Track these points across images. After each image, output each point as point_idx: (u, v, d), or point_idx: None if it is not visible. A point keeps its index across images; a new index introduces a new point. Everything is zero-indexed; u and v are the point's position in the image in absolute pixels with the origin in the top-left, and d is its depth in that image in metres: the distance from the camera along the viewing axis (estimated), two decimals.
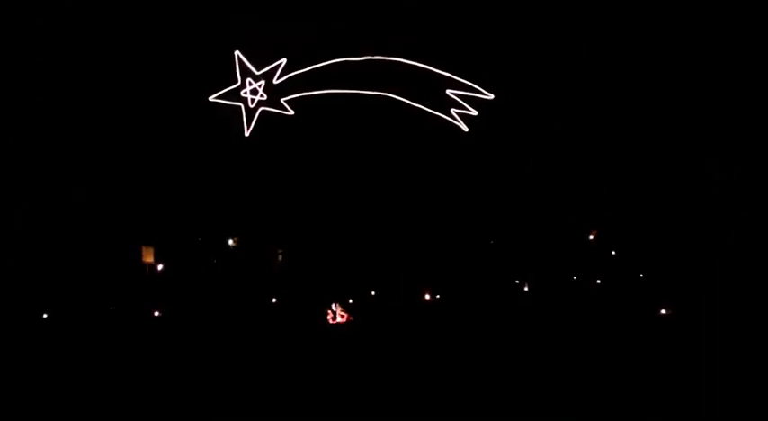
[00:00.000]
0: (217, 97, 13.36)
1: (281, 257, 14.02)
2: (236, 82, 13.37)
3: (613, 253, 13.51)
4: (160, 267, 13.38)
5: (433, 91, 13.51)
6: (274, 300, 13.23)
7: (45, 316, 12.31)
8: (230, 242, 13.83)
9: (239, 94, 13.39)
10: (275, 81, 13.41)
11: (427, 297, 13.31)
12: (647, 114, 13.54)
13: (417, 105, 13.53)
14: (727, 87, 13.24)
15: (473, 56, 13.53)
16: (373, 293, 13.41)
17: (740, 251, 12.56)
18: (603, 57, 13.66)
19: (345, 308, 13.11)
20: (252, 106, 13.41)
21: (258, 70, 13.39)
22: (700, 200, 13.03)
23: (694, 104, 13.36)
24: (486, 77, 13.41)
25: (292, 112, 13.46)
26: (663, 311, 12.46)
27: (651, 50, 13.47)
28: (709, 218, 12.93)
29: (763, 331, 11.15)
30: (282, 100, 13.44)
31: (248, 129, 13.41)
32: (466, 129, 13.50)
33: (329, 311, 13.09)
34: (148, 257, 13.38)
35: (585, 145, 13.82)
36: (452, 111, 13.50)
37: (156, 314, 12.75)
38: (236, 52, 13.33)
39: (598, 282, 13.39)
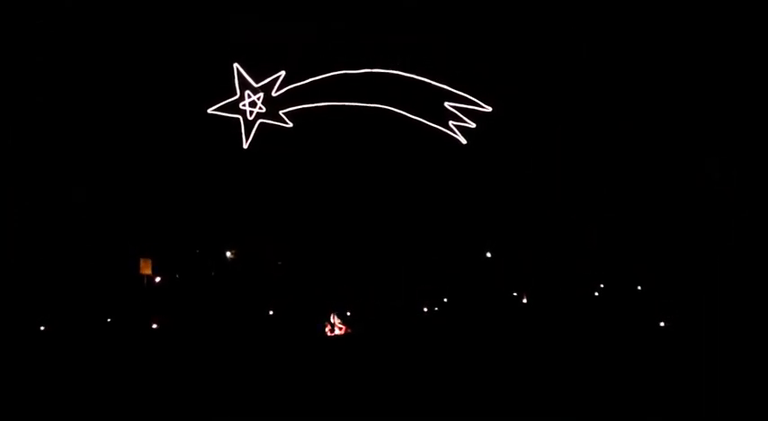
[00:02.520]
0: (216, 109, 13.07)
1: (279, 269, 13.77)
2: (235, 94, 13.05)
3: (613, 253, 13.28)
4: (158, 279, 13.08)
5: (431, 103, 13.27)
6: (272, 312, 12.93)
7: (42, 328, 11.97)
8: (228, 254, 13.59)
9: (238, 106, 13.07)
10: (274, 93, 13.10)
11: (425, 309, 13.06)
12: (647, 114, 13.29)
13: (416, 118, 13.29)
14: (728, 87, 12.99)
15: (472, 58, 13.28)
16: (372, 305, 13.13)
17: (740, 251, 12.30)
18: (603, 57, 13.43)
19: (344, 320, 12.81)
20: (251, 118, 13.12)
21: (257, 83, 13.07)
22: (700, 200, 12.82)
23: (694, 104, 13.11)
24: (485, 85, 13.17)
25: (291, 125, 13.18)
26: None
27: (651, 51, 13.24)
28: (709, 218, 12.71)
29: (764, 332, 10.90)
30: (281, 112, 13.14)
31: (247, 141, 13.12)
32: (464, 141, 13.27)
33: (327, 323, 12.78)
34: (146, 269, 13.05)
35: (585, 146, 13.56)
36: (450, 123, 13.29)
37: (154, 326, 12.42)
38: (235, 65, 13.01)
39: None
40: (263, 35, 13.09)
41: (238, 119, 13.13)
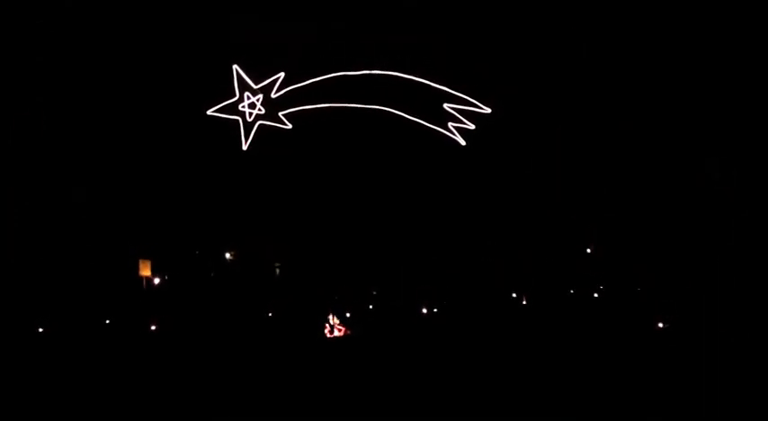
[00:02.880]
0: (215, 111, 13.03)
1: (278, 271, 13.73)
2: (235, 96, 13.00)
3: (613, 253, 13.24)
4: (157, 281, 13.05)
5: (430, 105, 13.23)
6: (271, 314, 12.89)
7: (41, 329, 11.93)
8: (228, 255, 13.56)
9: (237, 107, 13.00)
10: (273, 95, 13.05)
11: (425, 311, 13.03)
12: (647, 114, 13.20)
13: (415, 119, 13.25)
14: (727, 87, 12.90)
15: (471, 59, 13.22)
16: (371, 306, 13.09)
17: (740, 251, 12.26)
18: (603, 57, 13.35)
19: (343, 321, 12.77)
20: (250, 120, 13.08)
21: (256, 84, 13.01)
22: (700, 200, 12.78)
23: (694, 104, 13.03)
24: (484, 86, 13.10)
25: (290, 126, 13.15)
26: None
27: (651, 51, 13.16)
28: (709, 218, 12.67)
29: (764, 332, 10.87)
30: (280, 114, 13.09)
31: (246, 142, 13.08)
32: (463, 142, 13.23)
33: (327, 325, 12.74)
34: (146, 271, 13.02)
35: (585, 146, 13.48)
36: (450, 124, 13.26)
37: (153, 327, 12.39)
38: (235, 66, 12.95)
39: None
40: (263, 36, 13.03)
41: (238, 120, 13.07)
